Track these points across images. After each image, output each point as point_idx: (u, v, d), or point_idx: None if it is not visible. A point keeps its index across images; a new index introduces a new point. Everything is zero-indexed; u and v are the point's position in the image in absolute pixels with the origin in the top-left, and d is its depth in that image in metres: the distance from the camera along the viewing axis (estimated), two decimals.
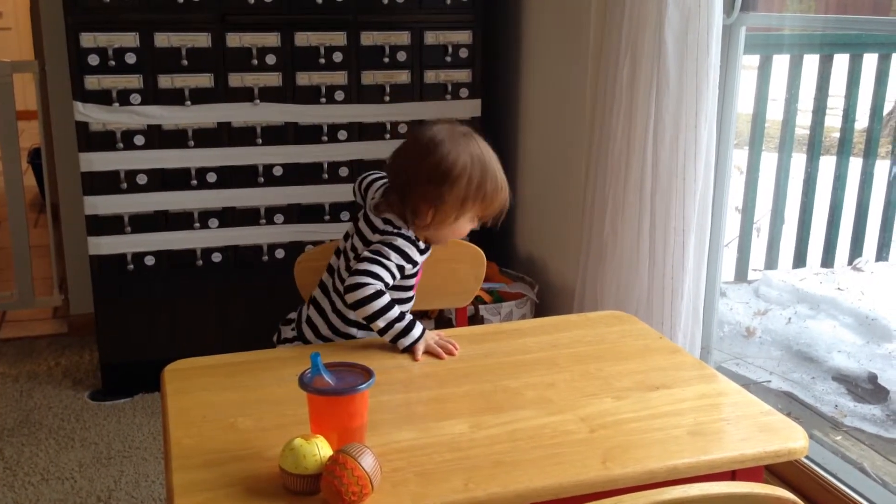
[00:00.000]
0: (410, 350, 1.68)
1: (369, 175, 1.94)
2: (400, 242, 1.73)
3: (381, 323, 1.68)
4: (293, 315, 1.94)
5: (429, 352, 1.69)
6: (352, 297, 1.67)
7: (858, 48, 3.22)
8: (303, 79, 2.93)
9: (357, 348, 1.72)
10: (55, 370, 3.25)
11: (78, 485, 2.54)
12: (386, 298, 1.68)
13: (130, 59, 2.76)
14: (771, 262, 3.53)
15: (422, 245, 1.77)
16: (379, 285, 1.68)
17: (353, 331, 1.83)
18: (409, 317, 1.70)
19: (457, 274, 2.07)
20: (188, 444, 1.35)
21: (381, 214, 1.77)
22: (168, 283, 2.97)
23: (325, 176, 3.00)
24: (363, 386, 1.29)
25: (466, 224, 1.78)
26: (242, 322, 3.05)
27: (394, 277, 1.72)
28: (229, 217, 2.96)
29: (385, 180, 1.88)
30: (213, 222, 2.95)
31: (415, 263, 1.75)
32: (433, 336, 1.71)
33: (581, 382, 1.57)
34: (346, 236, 1.85)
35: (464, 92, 3.09)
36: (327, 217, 3.04)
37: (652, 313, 2.38)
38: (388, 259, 1.70)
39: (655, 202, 2.34)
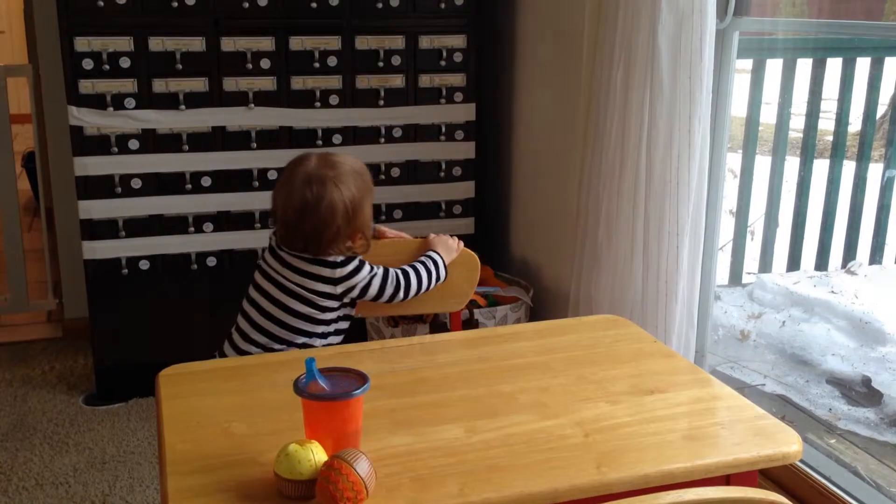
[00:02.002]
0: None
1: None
2: (362, 268, 1.93)
3: (424, 283, 1.97)
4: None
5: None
6: (404, 294, 1.95)
7: (851, 52, 3.23)
8: (297, 83, 2.93)
9: (352, 354, 1.72)
10: (49, 374, 3.24)
11: (72, 490, 2.53)
12: (403, 278, 1.94)
13: (125, 63, 2.76)
14: (765, 265, 3.53)
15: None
16: (391, 282, 1.93)
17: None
18: (422, 270, 1.97)
19: (450, 278, 2.07)
20: (183, 449, 1.35)
21: (324, 255, 1.89)
22: (163, 287, 2.96)
23: None
24: (358, 391, 1.29)
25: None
26: None
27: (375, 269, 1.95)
28: (224, 221, 2.96)
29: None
30: (208, 226, 2.95)
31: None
32: (450, 242, 2.06)
33: (576, 387, 1.57)
34: (266, 274, 1.96)
35: (458, 96, 3.09)
36: None
37: (646, 317, 2.39)
38: (371, 268, 1.93)
39: (649, 206, 2.34)
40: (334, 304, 1.91)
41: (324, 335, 1.94)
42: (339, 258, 1.89)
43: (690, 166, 2.29)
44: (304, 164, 1.90)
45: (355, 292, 1.91)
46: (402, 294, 1.95)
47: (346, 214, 1.85)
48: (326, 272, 1.88)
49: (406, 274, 1.96)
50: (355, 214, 1.87)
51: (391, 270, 1.95)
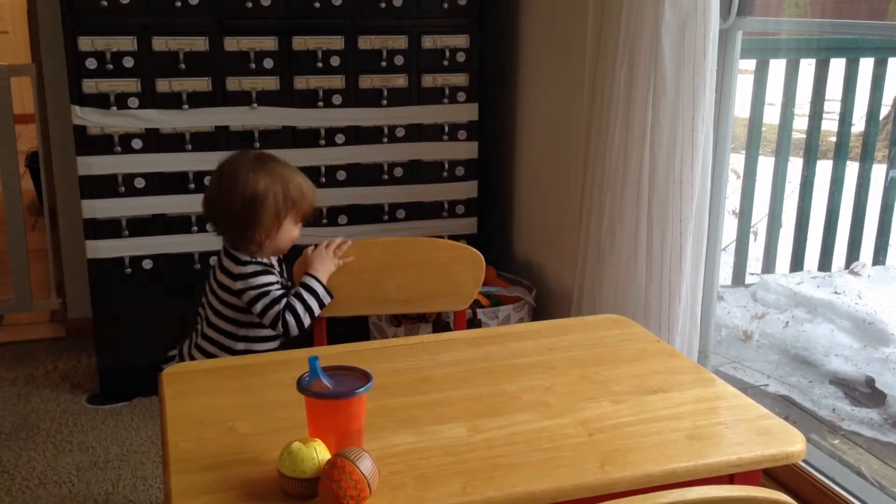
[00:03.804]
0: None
1: None
2: (259, 277, 1.97)
3: (305, 321, 1.95)
4: (174, 353, 2.12)
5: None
6: (292, 331, 1.95)
7: (854, 52, 3.22)
8: (300, 83, 2.93)
9: (355, 352, 1.72)
10: (53, 374, 3.24)
11: (75, 489, 2.54)
12: (298, 309, 1.95)
13: (128, 62, 2.76)
14: (768, 265, 3.53)
15: (270, 261, 2.02)
16: (287, 313, 1.94)
17: (240, 346, 2.03)
18: (311, 298, 1.96)
19: (456, 277, 2.07)
20: (186, 448, 1.35)
21: (231, 250, 2.00)
22: (166, 286, 2.97)
23: (323, 180, 3.00)
24: (361, 389, 1.29)
25: (293, 228, 2.01)
26: None
27: (278, 282, 1.99)
28: None
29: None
30: (211, 226, 2.94)
31: (275, 274, 2.01)
32: (326, 255, 2.02)
33: (579, 386, 1.57)
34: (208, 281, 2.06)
35: (461, 96, 3.10)
36: (325, 220, 3.04)
37: (649, 317, 2.39)
38: (267, 285, 1.95)
39: (652, 206, 2.34)
40: (241, 301, 1.97)
41: (265, 339, 1.99)
42: (246, 258, 1.96)
43: (693, 166, 2.29)
44: (236, 156, 1.98)
45: (246, 297, 1.95)
46: (281, 330, 1.96)
47: (243, 198, 1.91)
48: (231, 266, 1.97)
49: (294, 311, 1.95)
50: (253, 204, 1.92)
51: (281, 305, 1.95)
